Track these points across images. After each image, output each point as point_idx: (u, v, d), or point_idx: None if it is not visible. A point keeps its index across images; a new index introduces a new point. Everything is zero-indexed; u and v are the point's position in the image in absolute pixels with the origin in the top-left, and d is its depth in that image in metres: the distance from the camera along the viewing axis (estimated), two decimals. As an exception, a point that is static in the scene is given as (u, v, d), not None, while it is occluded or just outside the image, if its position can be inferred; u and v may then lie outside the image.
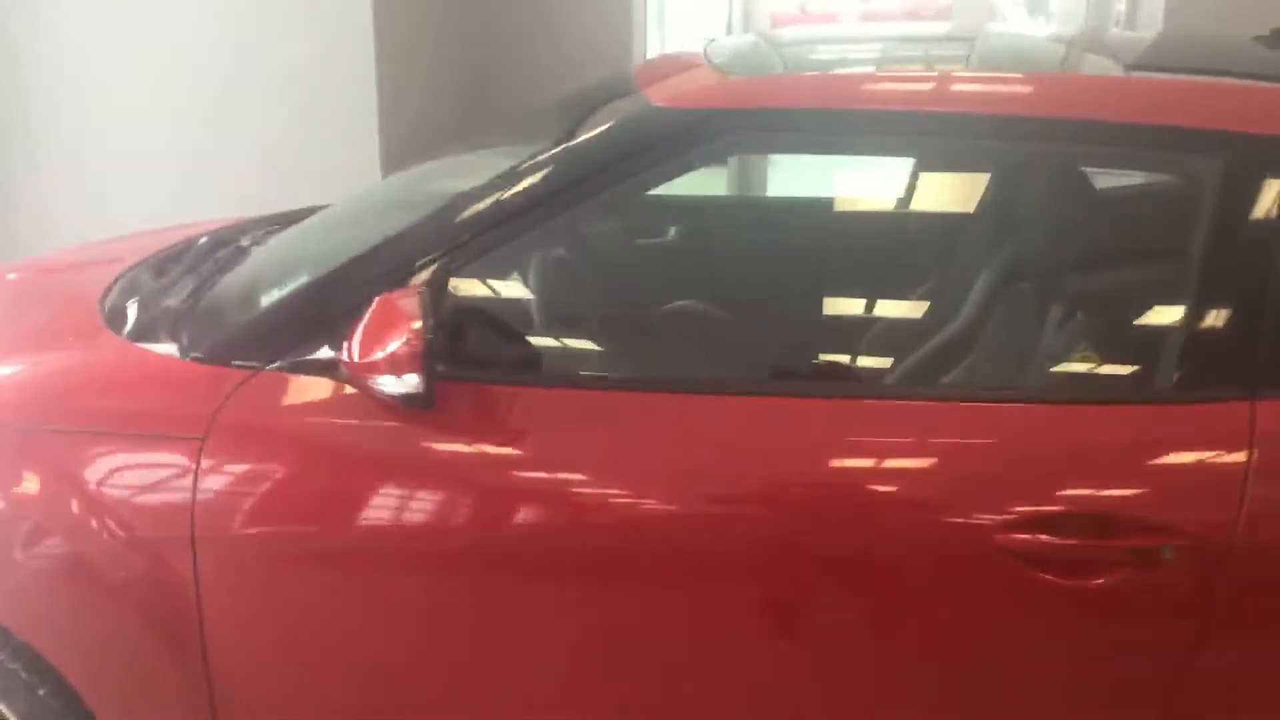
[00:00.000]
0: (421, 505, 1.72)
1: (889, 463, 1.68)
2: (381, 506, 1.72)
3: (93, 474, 1.78)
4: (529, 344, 1.86)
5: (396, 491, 1.72)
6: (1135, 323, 1.86)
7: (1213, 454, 1.61)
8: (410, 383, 1.60)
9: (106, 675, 1.83)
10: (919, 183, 2.28)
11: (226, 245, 2.38)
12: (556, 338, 1.88)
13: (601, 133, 1.85)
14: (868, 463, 1.68)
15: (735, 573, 1.67)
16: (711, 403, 1.73)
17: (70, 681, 1.81)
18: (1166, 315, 1.72)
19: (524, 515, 1.70)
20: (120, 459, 1.80)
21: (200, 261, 2.31)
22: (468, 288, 1.90)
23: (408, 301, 1.62)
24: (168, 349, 1.91)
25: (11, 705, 1.85)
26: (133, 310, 2.08)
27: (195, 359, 1.85)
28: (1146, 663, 1.64)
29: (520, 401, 1.75)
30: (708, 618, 1.69)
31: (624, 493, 1.69)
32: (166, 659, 1.79)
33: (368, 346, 1.62)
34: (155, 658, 1.78)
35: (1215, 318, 1.67)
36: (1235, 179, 1.68)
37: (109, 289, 2.21)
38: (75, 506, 1.78)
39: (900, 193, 2.27)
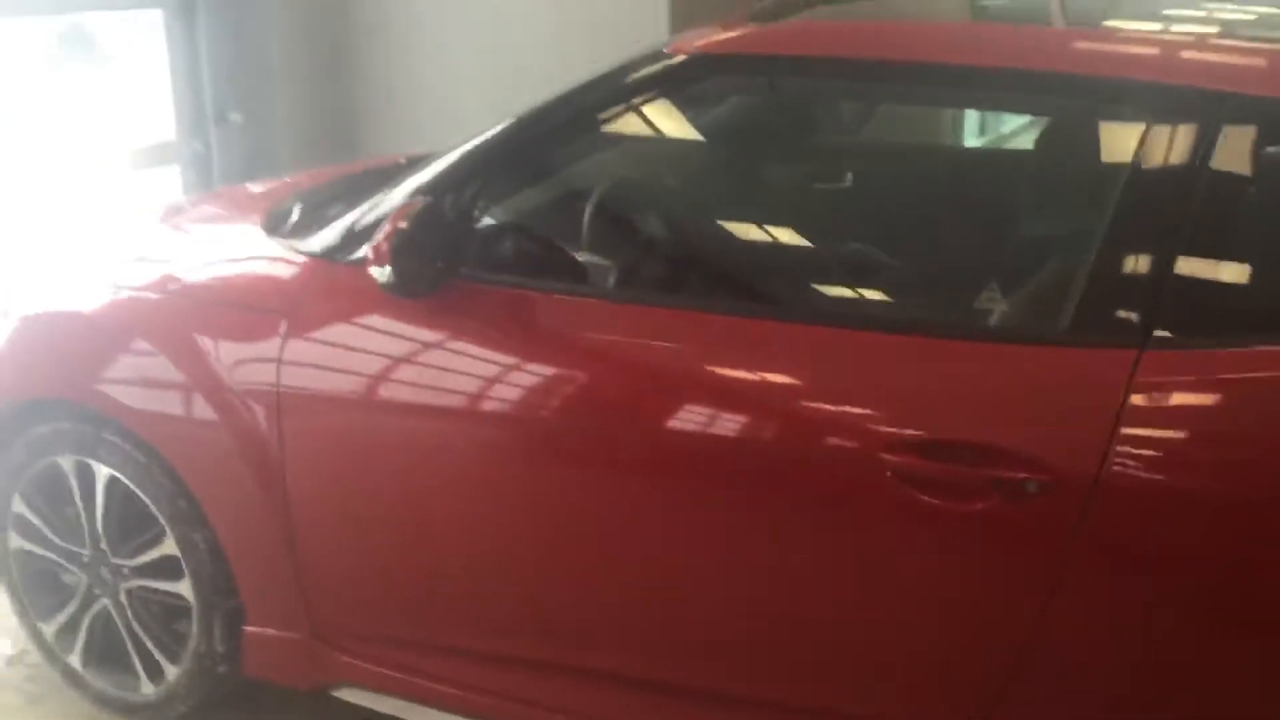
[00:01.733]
0: (410, 383, 2.10)
1: (812, 384, 1.87)
2: (387, 381, 2.12)
3: (212, 334, 2.30)
4: (532, 256, 2.16)
5: (394, 371, 2.11)
6: (1036, 268, 1.91)
7: (1088, 398, 1.68)
8: (384, 273, 1.97)
9: (219, 497, 2.36)
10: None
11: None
12: (559, 254, 2.18)
13: (611, 71, 2.10)
14: (793, 381, 1.88)
15: (659, 477, 1.94)
16: (666, 315, 1.98)
17: (193, 492, 2.36)
18: (1066, 263, 1.78)
19: (491, 401, 2.05)
20: (232, 324, 2.31)
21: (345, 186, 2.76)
22: (505, 208, 2.23)
23: (404, 208, 1.98)
24: (290, 245, 2.39)
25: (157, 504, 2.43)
26: (279, 218, 2.58)
27: (302, 253, 2.32)
28: (1007, 594, 1.75)
29: (519, 304, 2.07)
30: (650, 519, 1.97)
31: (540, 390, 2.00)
32: (257, 487, 2.29)
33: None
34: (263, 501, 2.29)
35: (1113, 270, 1.72)
36: (1148, 132, 1.71)
37: (275, 202, 2.73)
38: (208, 357, 2.31)
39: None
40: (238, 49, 5.60)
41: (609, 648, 2.08)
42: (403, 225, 1.95)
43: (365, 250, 2.06)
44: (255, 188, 3.09)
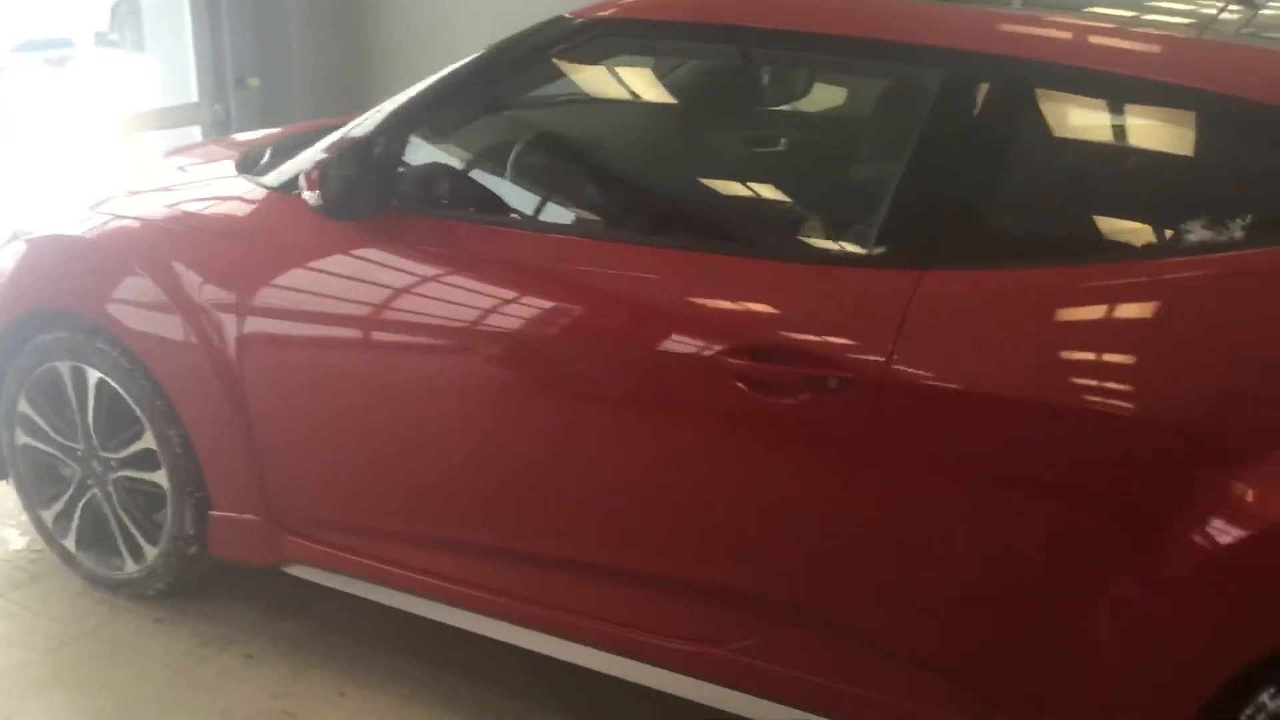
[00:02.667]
0: (344, 297, 2.46)
1: (673, 298, 2.20)
2: (325, 296, 2.48)
3: (185, 258, 2.67)
4: (453, 192, 2.50)
5: (331, 286, 2.47)
6: (848, 205, 2.23)
7: (879, 310, 2.00)
8: (314, 196, 2.33)
9: (189, 399, 2.73)
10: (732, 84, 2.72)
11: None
12: (476, 189, 2.52)
13: (520, 35, 2.45)
14: (657, 295, 2.22)
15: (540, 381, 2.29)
16: (562, 241, 2.34)
17: (168, 394, 2.74)
18: (872, 202, 2.10)
19: (415, 312, 2.40)
20: (202, 249, 2.68)
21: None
22: (436, 150, 2.58)
23: (335, 144, 2.35)
24: (256, 181, 2.75)
25: (138, 403, 2.81)
26: (252, 159, 2.95)
27: (263, 186, 2.69)
28: (819, 474, 2.06)
29: (441, 230, 2.42)
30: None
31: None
32: (221, 391, 2.66)
33: None
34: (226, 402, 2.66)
35: (904, 207, 2.04)
36: (947, 89, 2.03)
37: (251, 147, 3.10)
38: (182, 278, 2.68)
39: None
40: (256, 18, 5.99)
41: (518, 530, 2.43)
42: (327, 156, 2.31)
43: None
44: (241, 137, 3.46)
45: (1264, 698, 1.81)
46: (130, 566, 2.98)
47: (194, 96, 5.94)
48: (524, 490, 2.39)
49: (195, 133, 5.78)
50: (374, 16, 5.88)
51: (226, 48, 5.92)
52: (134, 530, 2.94)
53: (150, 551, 2.93)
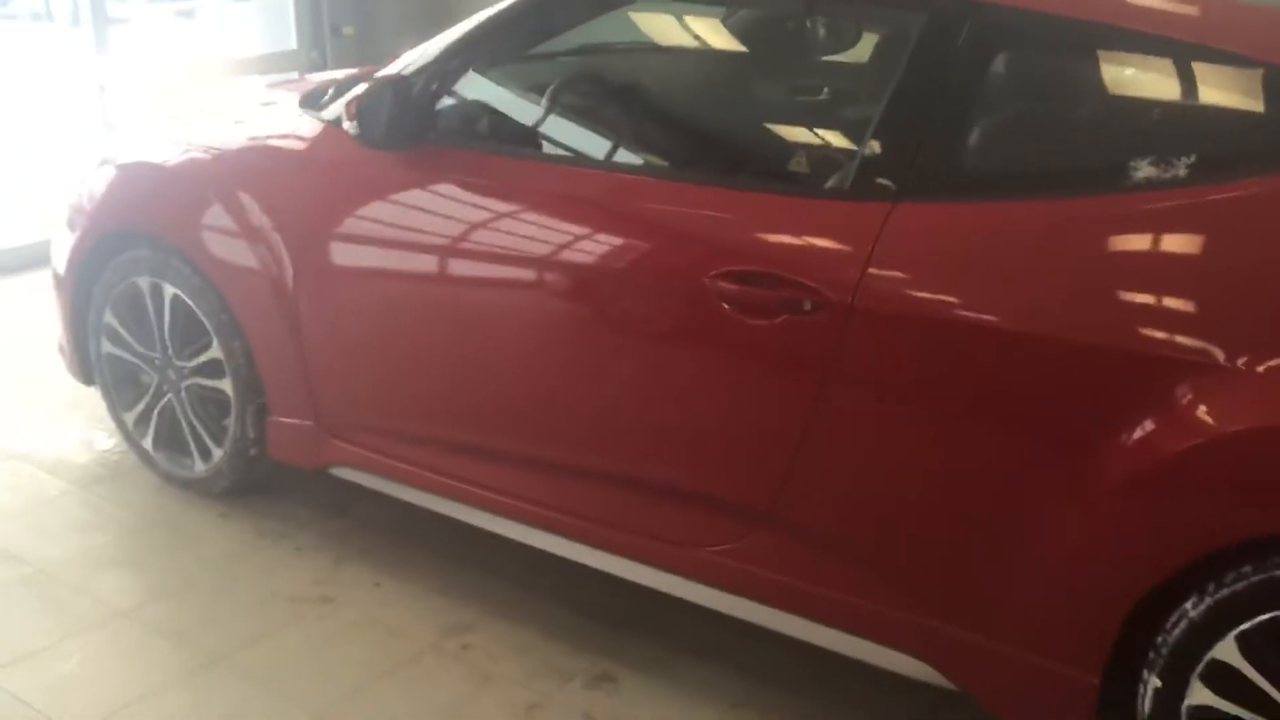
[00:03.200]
0: (385, 221, 2.69)
1: (668, 226, 2.39)
2: (368, 220, 2.72)
3: (250, 185, 2.94)
4: (488, 128, 2.71)
5: (374, 211, 2.71)
6: (825, 142, 2.37)
7: (851, 239, 2.15)
8: (353, 126, 2.56)
9: (251, 315, 3.00)
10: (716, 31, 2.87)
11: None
12: (512, 126, 2.73)
13: None
14: (656, 222, 2.40)
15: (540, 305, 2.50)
16: (568, 172, 2.54)
17: (233, 309, 3.02)
18: (848, 138, 2.24)
19: (449, 237, 2.62)
20: (266, 174, 2.94)
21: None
22: (475, 89, 2.79)
23: (375, 81, 2.57)
24: (315, 115, 3.00)
25: (207, 317, 3.09)
26: (313, 95, 3.20)
27: (320, 120, 2.93)
28: (793, 389, 2.22)
29: (476, 162, 2.63)
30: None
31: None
32: (277, 308, 2.93)
33: None
34: (282, 318, 2.92)
35: (878, 145, 2.19)
36: (930, 33, 2.16)
37: (317, 85, 3.35)
38: (246, 203, 2.95)
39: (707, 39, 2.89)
40: (352, -30, 6.27)
41: (531, 438, 2.65)
42: (364, 89, 2.54)
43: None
44: (315, 77, 3.72)
45: (1187, 606, 1.93)
46: (199, 466, 3.28)
47: (293, 44, 6.26)
48: (537, 401, 2.61)
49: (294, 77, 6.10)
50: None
51: (323, -1, 6.23)
52: (203, 433, 3.24)
53: (217, 453, 3.22)
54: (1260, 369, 1.83)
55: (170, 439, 3.33)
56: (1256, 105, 2.00)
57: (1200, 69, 2.03)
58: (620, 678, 2.60)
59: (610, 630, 2.75)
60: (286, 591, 2.90)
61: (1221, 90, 2.06)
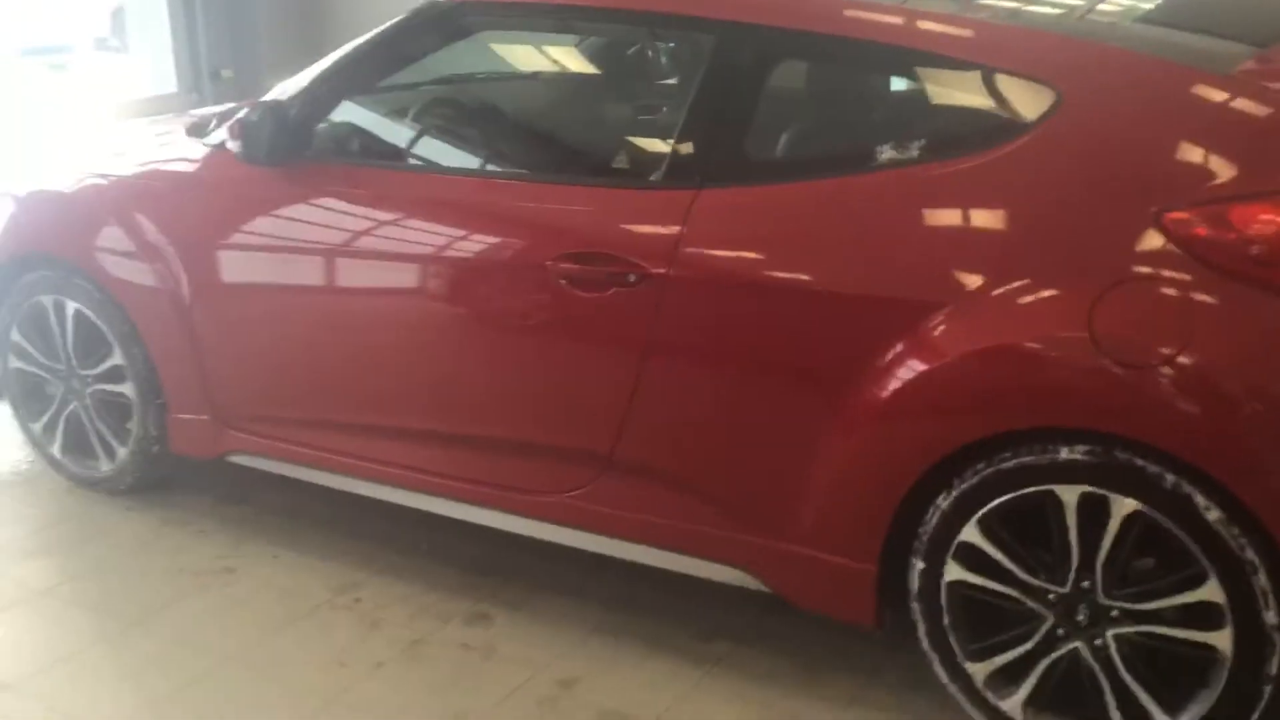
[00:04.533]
0: (265, 230, 3.07)
1: (515, 216, 2.80)
2: (250, 230, 3.09)
3: (144, 207, 3.28)
4: (355, 144, 3.11)
5: (255, 222, 3.08)
6: (643, 143, 2.84)
7: (665, 221, 2.59)
8: (236, 145, 2.94)
9: (149, 322, 3.33)
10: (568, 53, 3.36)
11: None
12: (374, 140, 3.14)
13: (395, 21, 3.05)
14: (505, 214, 2.82)
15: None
16: (428, 179, 2.95)
17: (132, 319, 3.34)
18: (661, 139, 2.69)
19: (323, 240, 3.00)
20: (157, 199, 3.29)
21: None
22: (345, 112, 3.18)
23: (255, 104, 2.96)
24: (200, 141, 3.35)
25: (108, 327, 3.41)
26: (199, 124, 3.56)
27: (205, 145, 3.30)
28: (624, 353, 2.64)
29: (345, 174, 3.03)
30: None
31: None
32: (174, 315, 3.27)
33: None
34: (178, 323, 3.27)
35: (683, 143, 2.64)
36: (719, 50, 2.63)
37: (202, 116, 3.72)
38: (142, 224, 3.29)
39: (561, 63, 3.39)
40: (230, 16, 6.61)
41: (401, 411, 3.03)
42: (245, 111, 2.92)
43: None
44: (200, 110, 4.07)
45: (939, 500, 2.39)
46: (105, 466, 3.58)
47: (173, 88, 6.56)
48: (410, 379, 3.00)
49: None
50: (336, 12, 6.48)
51: (201, 44, 6.55)
52: (108, 435, 3.55)
53: (121, 452, 3.53)
54: (978, 306, 2.31)
55: (77, 444, 3.63)
56: (970, 98, 2.51)
57: (929, 71, 2.53)
58: (494, 616, 2.98)
59: (485, 578, 3.13)
60: (192, 567, 3.22)
61: (945, 88, 2.56)
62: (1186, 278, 2.15)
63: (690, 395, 2.64)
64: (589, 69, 3.41)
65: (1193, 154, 2.22)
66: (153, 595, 3.09)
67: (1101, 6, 2.83)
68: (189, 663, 2.80)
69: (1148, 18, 2.67)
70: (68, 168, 3.61)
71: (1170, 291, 2.16)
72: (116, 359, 3.43)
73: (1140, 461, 2.18)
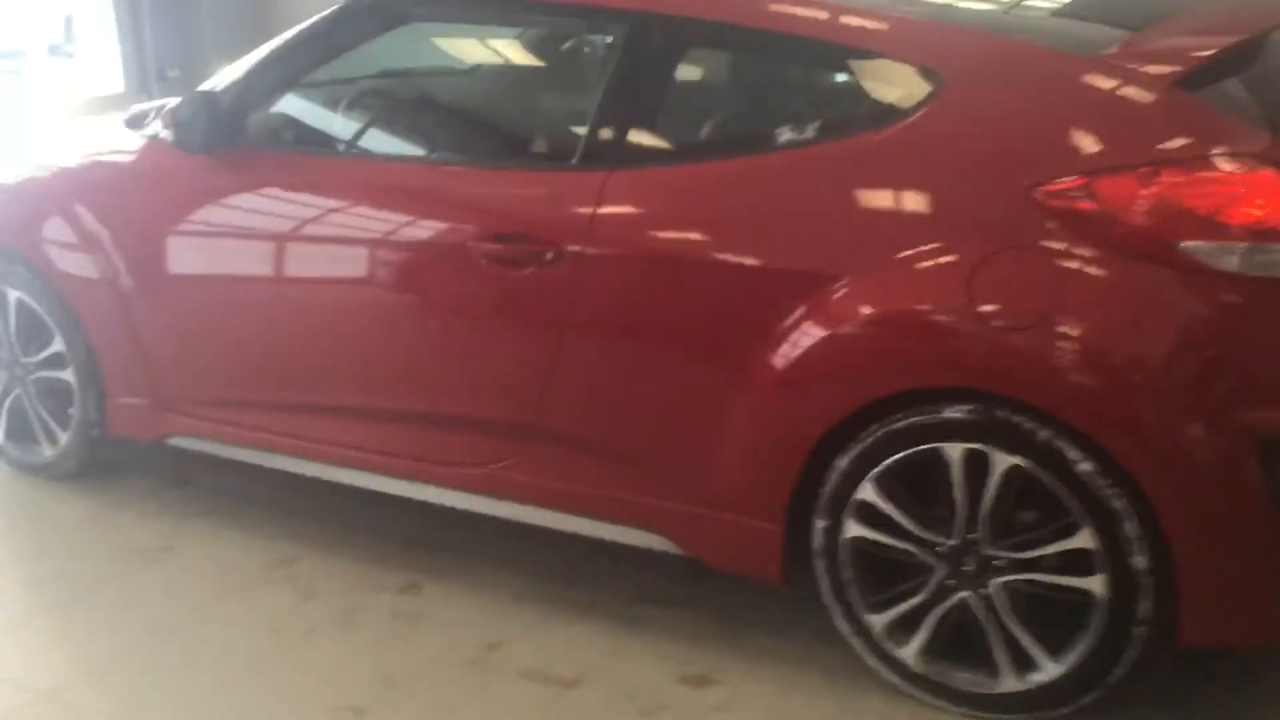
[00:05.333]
0: (200, 216, 3.18)
1: (440, 199, 2.93)
2: (186, 216, 3.20)
3: (84, 197, 3.38)
4: (286, 132, 3.23)
5: (190, 208, 3.19)
6: (560, 128, 2.98)
7: (580, 202, 2.72)
8: (169, 134, 3.05)
9: (89, 309, 3.42)
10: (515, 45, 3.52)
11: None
12: (306, 128, 3.26)
13: (326, 13, 3.17)
14: (432, 198, 2.94)
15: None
16: (358, 164, 3.08)
17: (73, 306, 3.44)
18: (577, 126, 2.82)
19: (255, 225, 3.11)
20: (97, 189, 3.39)
21: None
22: (283, 105, 3.29)
23: (188, 95, 3.07)
24: (138, 133, 3.45)
25: (49, 314, 3.51)
26: (137, 117, 3.65)
27: (143, 136, 3.40)
28: (544, 326, 2.77)
29: (276, 160, 3.14)
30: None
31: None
32: (113, 301, 3.37)
33: None
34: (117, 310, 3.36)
35: (596, 128, 2.77)
36: (630, 39, 2.76)
37: (141, 109, 3.82)
38: (81, 213, 3.39)
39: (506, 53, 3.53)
40: (175, 17, 6.69)
41: (332, 388, 3.15)
42: (178, 101, 3.03)
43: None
44: (140, 105, 4.17)
45: (838, 461, 2.54)
46: (48, 451, 3.67)
47: (121, 88, 6.64)
48: (342, 358, 3.11)
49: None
50: (280, 12, 6.57)
51: (148, 46, 6.63)
52: (50, 421, 3.64)
53: (63, 437, 3.62)
54: (869, 276, 2.46)
55: (20, 430, 3.72)
56: (861, 83, 2.67)
57: (823, 58, 2.68)
58: (424, 585, 3.10)
59: (416, 551, 3.25)
60: (133, 546, 3.32)
61: (838, 73, 2.71)
62: (1055, 246, 2.31)
63: (605, 366, 2.77)
64: (514, 59, 3.54)
65: (1060, 131, 2.38)
66: (94, 572, 3.18)
67: (1027, 1, 3.02)
68: (126, 631, 2.91)
69: (1061, 11, 2.86)
70: (11, 162, 3.69)
71: (1040, 260, 2.32)
72: (58, 346, 3.53)
73: (1017, 418, 2.34)
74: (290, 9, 6.51)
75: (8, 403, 3.70)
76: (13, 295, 3.56)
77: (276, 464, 3.30)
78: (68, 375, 3.54)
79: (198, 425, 3.39)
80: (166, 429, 3.44)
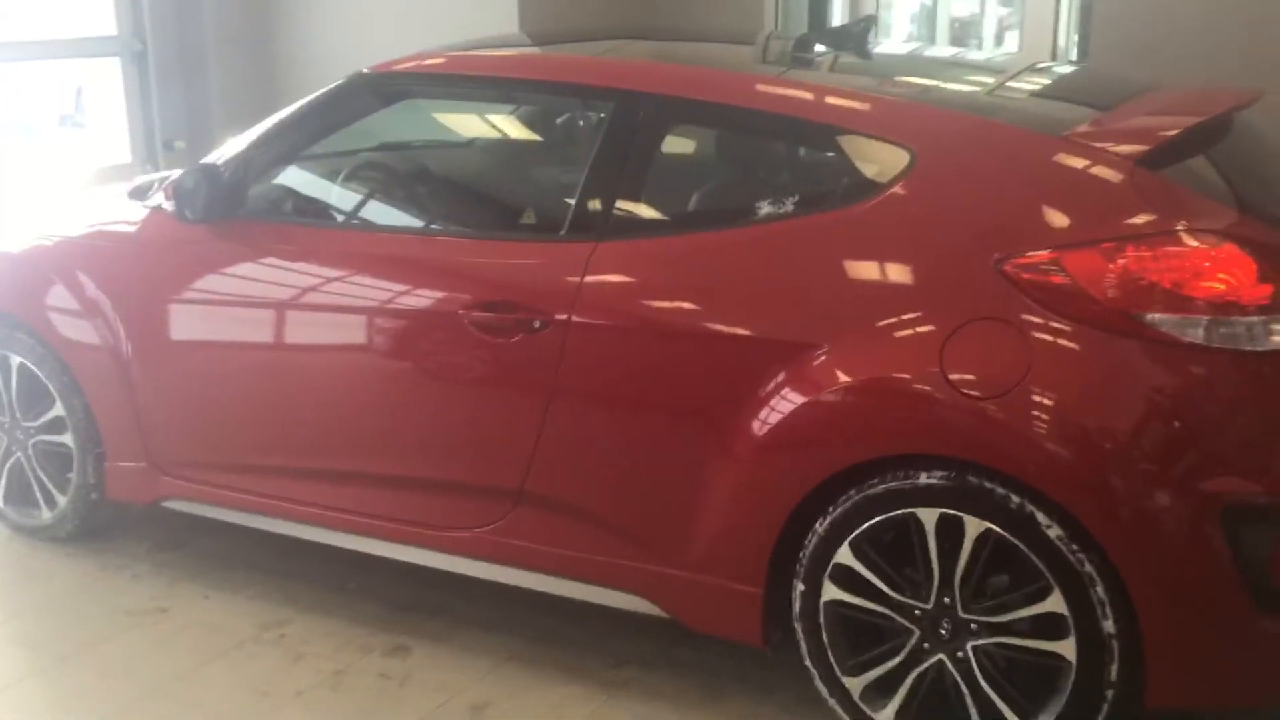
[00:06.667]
0: (199, 286, 3.26)
1: (431, 270, 3.01)
2: (185, 285, 3.28)
3: (87, 266, 3.47)
4: (281, 205, 3.33)
5: (189, 277, 3.28)
6: (549, 200, 3.08)
7: (567, 271, 2.80)
8: (170, 204, 3.15)
9: (89, 376, 3.50)
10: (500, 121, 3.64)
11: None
12: (305, 200, 3.36)
13: (327, 89, 3.28)
14: (423, 270, 3.03)
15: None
16: (354, 236, 3.18)
17: (73, 372, 3.52)
18: (566, 198, 2.92)
19: (254, 294, 3.20)
20: (99, 258, 3.48)
21: None
22: (282, 177, 3.39)
23: (189, 169, 3.17)
24: (142, 204, 3.55)
25: (50, 379, 3.58)
26: (141, 188, 3.76)
27: (145, 206, 3.49)
28: (531, 393, 2.84)
29: (274, 231, 3.23)
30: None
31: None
32: (113, 368, 3.44)
33: None
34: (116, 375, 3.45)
35: (585, 201, 2.86)
36: (617, 116, 2.87)
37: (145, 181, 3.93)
38: (83, 282, 3.48)
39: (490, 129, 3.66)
40: (182, 89, 6.84)
41: (326, 454, 3.21)
42: (181, 173, 3.13)
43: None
44: (144, 176, 4.29)
45: (817, 525, 2.59)
46: (46, 514, 3.73)
47: (128, 158, 6.77)
48: (334, 423, 3.18)
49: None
50: (286, 86, 6.73)
51: (155, 116, 6.77)
52: (49, 484, 3.69)
53: (61, 500, 3.68)
54: (847, 347, 2.53)
55: (19, 493, 3.77)
56: (837, 159, 2.77)
57: (802, 135, 2.79)
58: (413, 647, 3.14)
59: (406, 614, 3.29)
60: (126, 608, 3.36)
61: (816, 150, 2.81)
62: (1025, 319, 2.39)
63: (590, 433, 2.84)
64: (507, 133, 3.66)
65: (1028, 207, 2.48)
66: (87, 633, 3.22)
67: (1011, 84, 3.14)
68: (117, 693, 2.94)
69: (1038, 93, 2.98)
70: (17, 230, 3.79)
71: (1010, 331, 2.40)
72: (58, 410, 3.59)
73: (989, 485, 2.40)
74: (296, 83, 6.68)
75: (7, 466, 3.76)
76: (14, 360, 3.63)
77: (268, 527, 3.36)
78: (67, 439, 3.60)
79: (192, 489, 3.44)
80: (162, 492, 3.50)
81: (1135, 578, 2.31)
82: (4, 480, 3.78)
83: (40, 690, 2.98)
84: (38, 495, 3.73)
